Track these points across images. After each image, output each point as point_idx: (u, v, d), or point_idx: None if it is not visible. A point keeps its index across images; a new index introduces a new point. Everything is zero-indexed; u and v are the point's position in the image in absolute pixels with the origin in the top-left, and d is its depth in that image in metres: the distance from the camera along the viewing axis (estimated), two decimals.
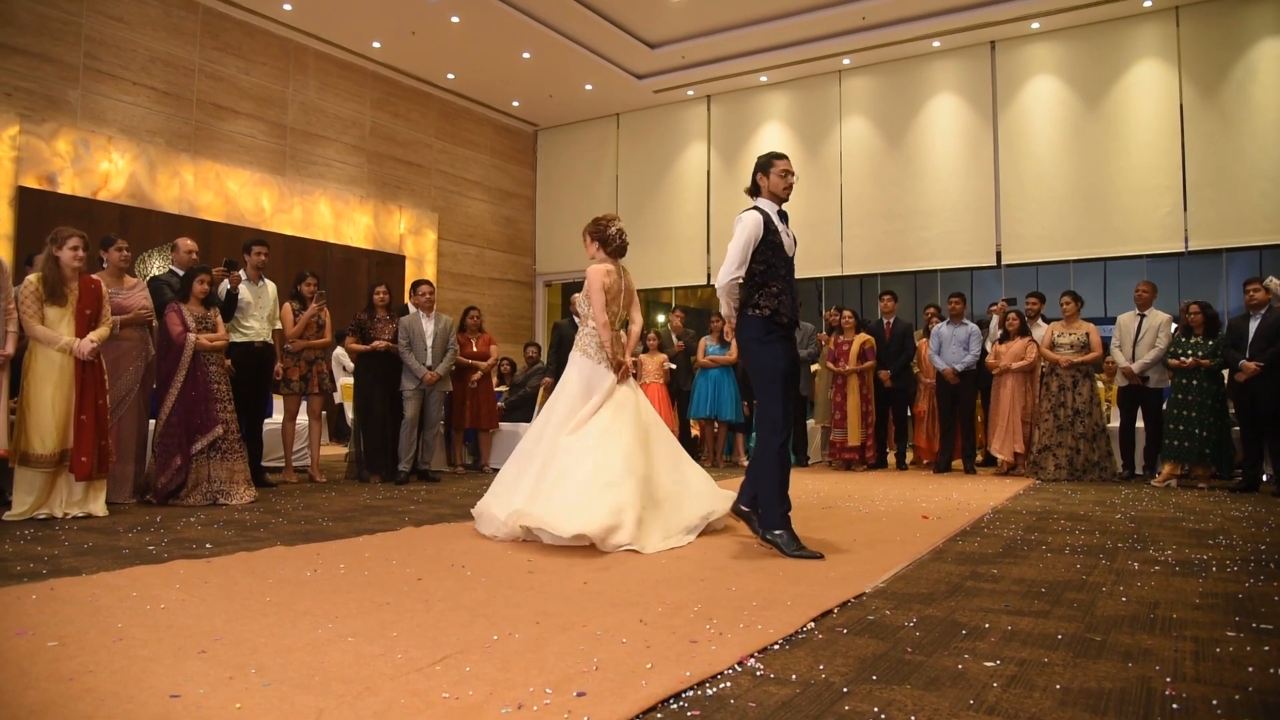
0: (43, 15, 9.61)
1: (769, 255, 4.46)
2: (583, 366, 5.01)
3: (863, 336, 9.40)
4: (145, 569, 3.65)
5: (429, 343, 7.91)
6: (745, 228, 4.41)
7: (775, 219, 4.51)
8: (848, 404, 9.38)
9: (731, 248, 4.43)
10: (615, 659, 2.46)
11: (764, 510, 4.35)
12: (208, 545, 4.32)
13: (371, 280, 9.73)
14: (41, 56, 9.62)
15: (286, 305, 7.60)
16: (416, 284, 8.17)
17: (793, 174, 4.61)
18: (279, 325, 7.51)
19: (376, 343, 7.79)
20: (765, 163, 4.62)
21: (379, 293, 8.01)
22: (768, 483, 4.33)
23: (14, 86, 9.40)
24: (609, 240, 5.12)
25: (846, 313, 9.63)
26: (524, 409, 9.40)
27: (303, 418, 7.99)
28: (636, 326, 5.29)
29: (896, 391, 9.54)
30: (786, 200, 4.62)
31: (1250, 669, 2.46)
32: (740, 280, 4.46)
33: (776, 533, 4.25)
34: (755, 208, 4.54)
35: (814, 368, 10.07)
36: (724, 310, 4.66)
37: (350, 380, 9.51)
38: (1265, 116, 10.78)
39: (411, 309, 8.08)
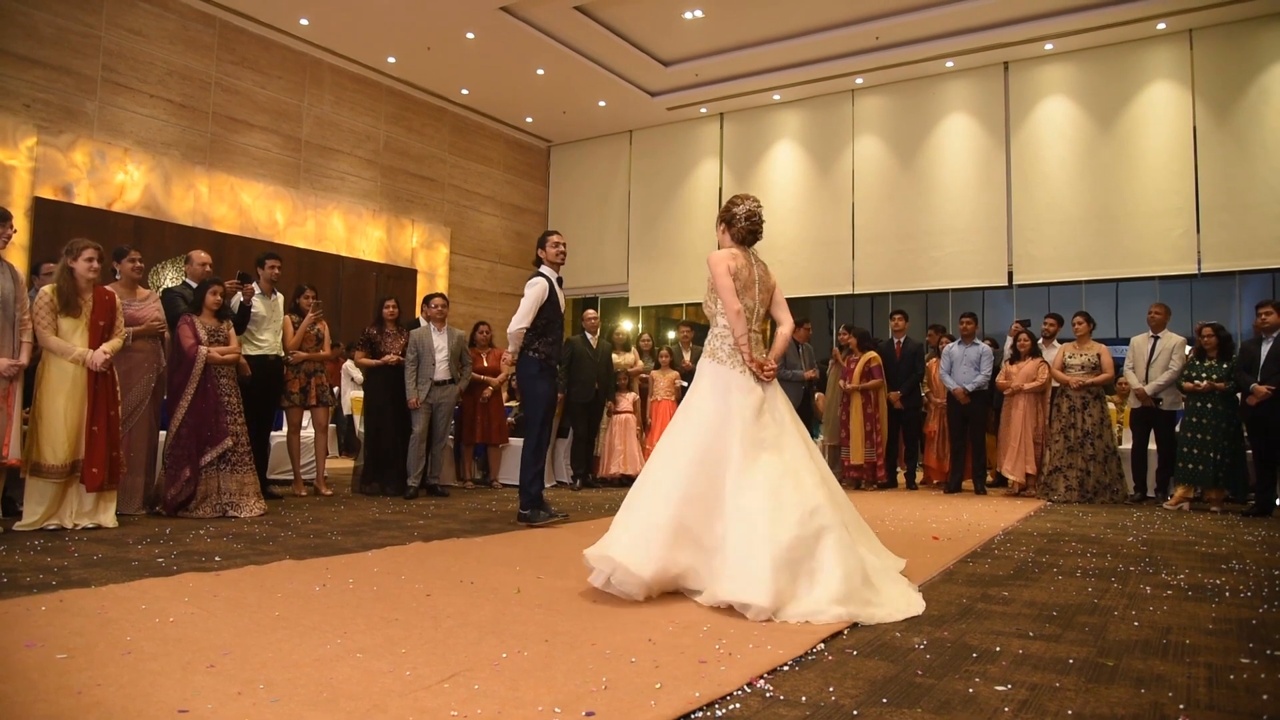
0: (62, 28, 9.70)
1: (550, 312, 6.05)
2: (715, 375, 4.04)
3: (869, 354, 9.38)
4: (154, 581, 3.66)
5: (438, 357, 7.91)
6: (536, 291, 5.96)
7: (555, 284, 6.11)
8: (850, 423, 9.37)
9: (524, 304, 5.94)
10: (624, 678, 2.45)
11: (522, 498, 6.04)
12: (217, 558, 4.32)
13: (382, 294, 9.76)
14: (60, 69, 9.70)
15: (286, 318, 7.62)
16: (429, 297, 8.18)
17: (563, 245, 6.24)
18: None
19: (387, 357, 7.81)
20: (542, 238, 6.23)
21: (388, 307, 8.05)
22: (529, 477, 6.01)
23: (32, 98, 9.48)
24: (734, 221, 4.26)
25: (843, 331, 9.67)
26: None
27: (310, 430, 8.01)
28: (785, 328, 4.27)
29: (907, 411, 9.52)
30: (562, 265, 6.22)
31: (1265, 696, 2.44)
32: (526, 329, 5.97)
33: (527, 513, 5.95)
34: (541, 274, 6.06)
35: (816, 395, 10.12)
36: (511, 348, 6.09)
37: (361, 394, 9.52)
38: (1278, 139, 10.74)
39: (423, 322, 8.10)
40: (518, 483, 6.46)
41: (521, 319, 5.95)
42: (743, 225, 4.24)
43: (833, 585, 3.36)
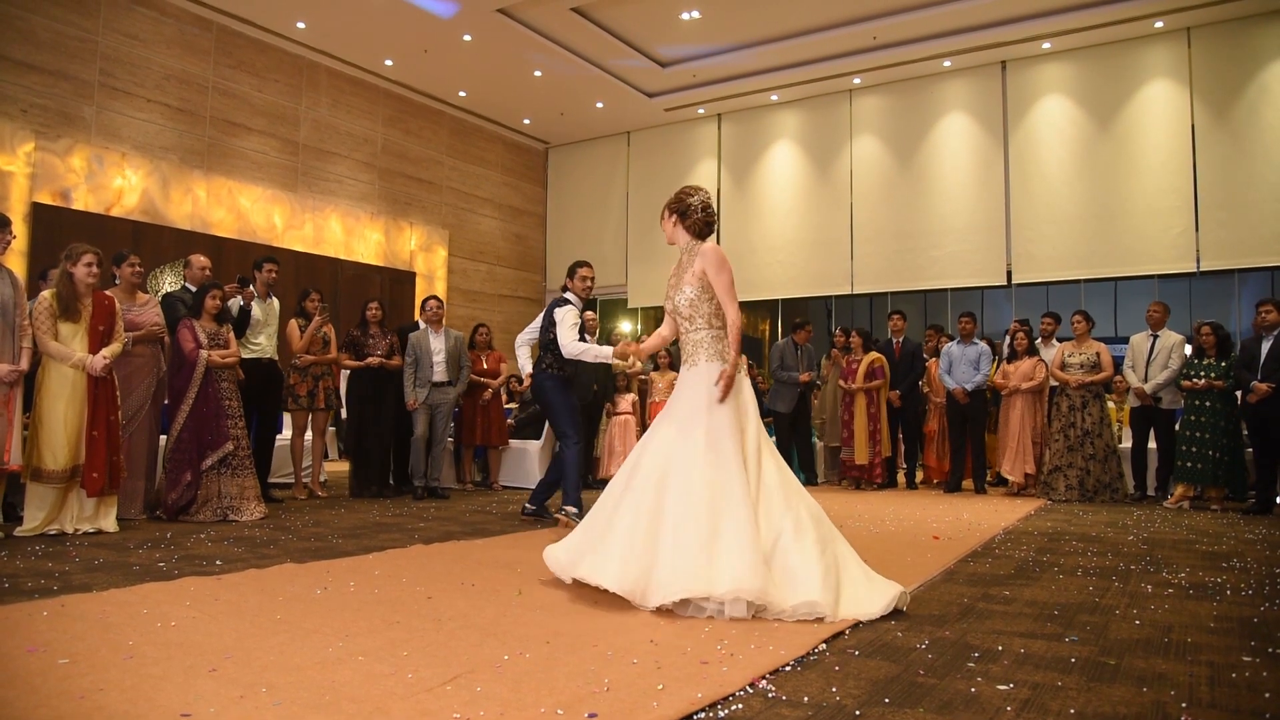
0: (60, 33, 9.70)
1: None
2: (737, 383, 3.88)
3: (872, 355, 9.39)
4: (156, 586, 3.65)
5: (435, 359, 7.92)
6: (574, 315, 5.96)
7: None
8: (855, 423, 9.37)
9: (567, 330, 5.85)
10: (626, 680, 2.45)
11: (567, 493, 6.00)
12: (218, 562, 4.32)
13: (380, 296, 9.75)
14: (58, 74, 9.70)
15: (293, 322, 7.64)
16: (426, 300, 8.21)
17: (592, 280, 6.22)
18: (276, 341, 7.55)
19: (370, 359, 7.82)
20: (572, 269, 6.17)
21: (371, 309, 8.06)
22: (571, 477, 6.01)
23: (30, 103, 9.47)
24: (689, 212, 4.04)
25: (838, 333, 9.68)
26: (533, 426, 9.40)
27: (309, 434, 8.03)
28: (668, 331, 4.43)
29: (906, 411, 9.53)
30: (586, 299, 6.22)
31: (1267, 695, 2.44)
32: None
33: (573, 510, 5.84)
34: (569, 301, 6.04)
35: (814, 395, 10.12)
36: (522, 362, 6.58)
37: None
38: (1277, 137, 10.74)
39: (422, 325, 8.12)
40: (516, 485, 6.54)
41: (573, 338, 5.87)
42: (699, 217, 4.04)
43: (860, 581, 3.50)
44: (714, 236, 4.14)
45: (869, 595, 3.40)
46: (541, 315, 6.36)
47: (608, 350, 5.59)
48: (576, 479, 6.04)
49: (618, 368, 9.62)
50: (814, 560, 3.38)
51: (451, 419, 8.38)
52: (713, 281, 3.94)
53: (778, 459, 3.79)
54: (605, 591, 3.71)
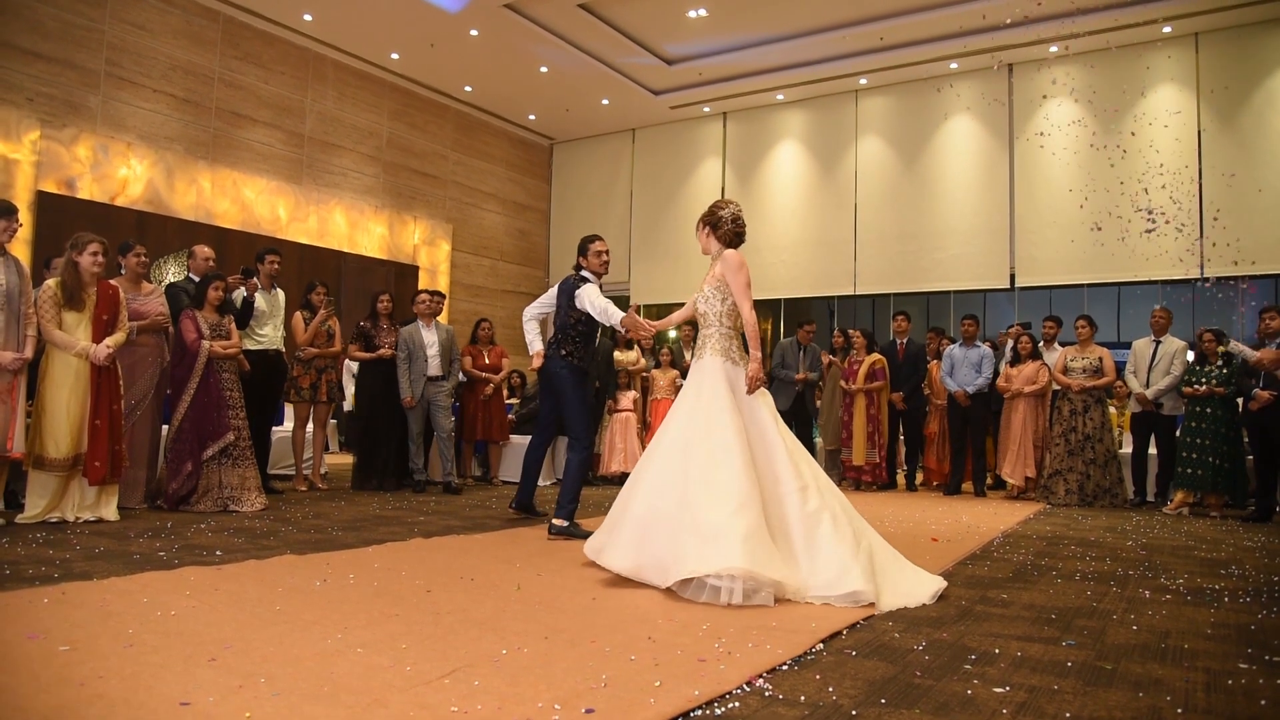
0: (67, 22, 9.71)
1: (591, 322, 5.64)
2: (733, 375, 4.21)
3: (873, 356, 9.40)
4: (156, 575, 3.66)
5: (429, 352, 7.93)
6: (596, 288, 5.65)
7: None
8: (854, 423, 9.38)
9: (596, 300, 5.48)
10: (624, 676, 2.46)
11: (562, 503, 5.35)
12: (218, 552, 4.33)
13: (384, 290, 9.75)
14: (64, 63, 9.71)
15: (297, 314, 7.65)
16: (417, 293, 8.22)
17: (607, 253, 5.91)
18: (283, 332, 7.56)
19: (382, 350, 7.83)
20: (583, 245, 5.88)
21: (382, 301, 8.08)
22: (571, 486, 5.40)
23: (36, 92, 9.48)
24: (720, 224, 4.41)
25: (854, 333, 9.65)
26: (534, 422, 9.41)
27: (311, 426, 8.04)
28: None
29: (908, 412, 9.53)
30: (604, 275, 5.91)
31: (1263, 702, 2.44)
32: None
33: (563, 524, 5.26)
34: (586, 279, 5.72)
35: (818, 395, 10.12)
36: (530, 338, 5.97)
37: None
38: None
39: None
40: (516, 480, 6.38)
41: (604, 305, 5.49)
42: (729, 228, 4.41)
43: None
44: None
45: (911, 584, 3.74)
46: (554, 292, 5.89)
47: (618, 314, 5.35)
48: (577, 488, 5.44)
49: (620, 363, 9.62)
50: (849, 550, 3.65)
51: (453, 413, 8.39)
52: (730, 282, 4.29)
53: (805, 454, 4.14)
54: (604, 588, 3.74)
